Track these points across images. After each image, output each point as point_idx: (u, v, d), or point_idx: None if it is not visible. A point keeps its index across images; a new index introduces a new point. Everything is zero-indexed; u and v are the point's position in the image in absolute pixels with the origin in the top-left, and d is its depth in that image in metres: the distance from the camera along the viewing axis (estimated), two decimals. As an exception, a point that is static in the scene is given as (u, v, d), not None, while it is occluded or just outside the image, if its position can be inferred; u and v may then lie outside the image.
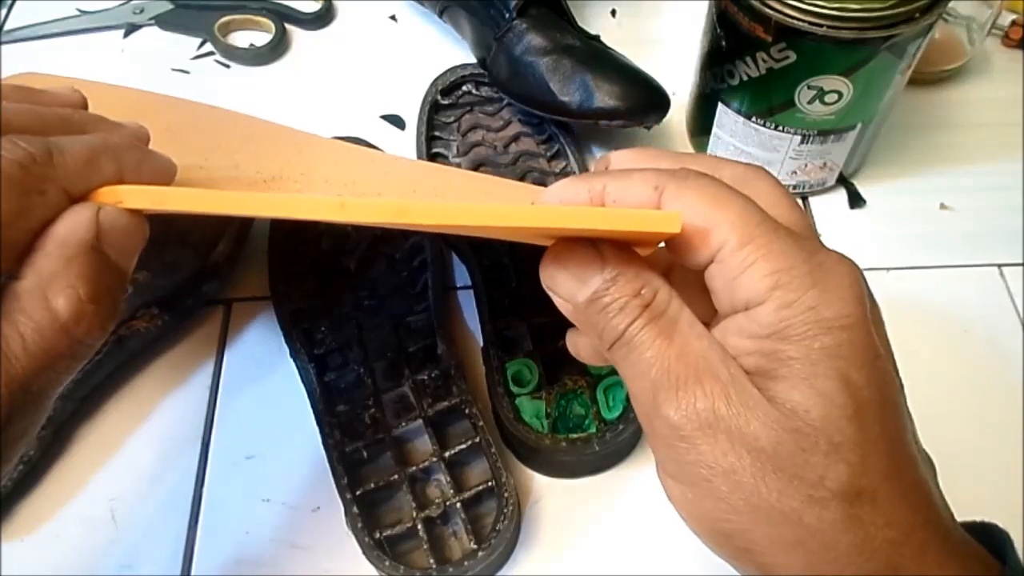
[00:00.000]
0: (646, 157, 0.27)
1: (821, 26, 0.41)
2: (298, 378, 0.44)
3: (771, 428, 0.22)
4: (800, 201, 0.52)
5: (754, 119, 0.47)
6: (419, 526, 0.38)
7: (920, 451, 0.24)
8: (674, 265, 0.28)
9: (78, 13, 0.63)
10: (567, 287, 0.25)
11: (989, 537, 0.24)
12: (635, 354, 0.24)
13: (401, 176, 0.42)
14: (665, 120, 0.50)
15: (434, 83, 0.54)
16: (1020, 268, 0.49)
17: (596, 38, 0.53)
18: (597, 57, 0.50)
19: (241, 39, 0.62)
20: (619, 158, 0.28)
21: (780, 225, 0.24)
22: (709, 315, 0.25)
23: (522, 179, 0.51)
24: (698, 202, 0.23)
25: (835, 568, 0.22)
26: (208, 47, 0.62)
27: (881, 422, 0.22)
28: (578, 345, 0.30)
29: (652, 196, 0.24)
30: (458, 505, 0.39)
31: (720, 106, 0.49)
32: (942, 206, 0.52)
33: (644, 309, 0.24)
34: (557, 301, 0.26)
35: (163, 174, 0.29)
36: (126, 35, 0.63)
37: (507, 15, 0.51)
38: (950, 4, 0.43)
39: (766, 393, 0.22)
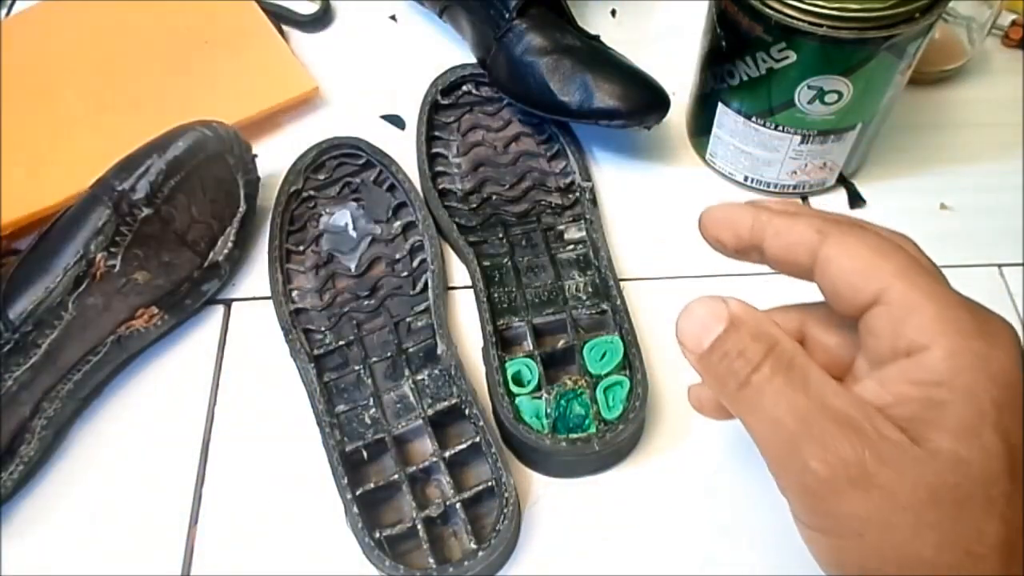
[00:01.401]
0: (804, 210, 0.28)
1: (821, 26, 0.41)
2: (298, 378, 0.44)
3: (928, 481, 0.22)
4: (800, 201, 0.52)
5: (754, 119, 0.47)
6: (419, 526, 0.38)
7: None
8: (804, 337, 0.29)
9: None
10: (693, 335, 0.26)
11: None
12: (764, 402, 0.24)
13: None
14: (665, 120, 0.50)
15: (434, 83, 0.54)
16: (1020, 268, 0.49)
17: (596, 38, 0.53)
18: (597, 57, 0.50)
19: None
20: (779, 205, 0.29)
21: (941, 275, 0.25)
22: (837, 376, 0.26)
23: (522, 179, 0.51)
24: (861, 248, 0.24)
25: None
26: (208, 47, 0.62)
27: None
28: (701, 398, 0.32)
29: (815, 239, 0.25)
30: (458, 505, 0.39)
31: (720, 106, 0.49)
32: (942, 206, 0.52)
33: (768, 356, 0.24)
34: (685, 353, 0.27)
35: None
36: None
37: (507, 15, 0.51)
38: (950, 4, 0.43)
39: (924, 444, 0.22)
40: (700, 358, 0.26)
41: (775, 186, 0.51)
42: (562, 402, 0.42)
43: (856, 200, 0.52)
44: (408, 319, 0.46)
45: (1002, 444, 0.22)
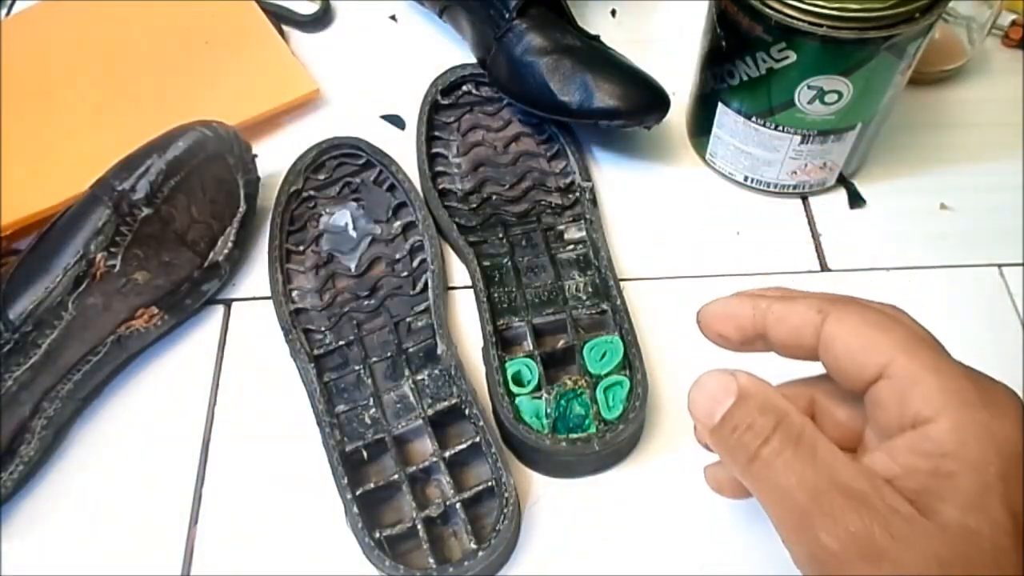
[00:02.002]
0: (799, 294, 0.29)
1: (821, 26, 0.41)
2: (298, 378, 0.44)
3: (938, 553, 0.22)
4: (800, 201, 0.52)
5: (754, 119, 0.47)
6: (419, 526, 0.38)
7: None
8: (813, 410, 0.29)
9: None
10: (703, 408, 0.26)
11: None
12: (774, 475, 0.24)
13: None
14: (665, 120, 0.50)
15: (434, 83, 0.54)
16: (1020, 268, 0.49)
17: (596, 38, 0.53)
18: (597, 57, 0.50)
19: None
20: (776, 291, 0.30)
21: (941, 346, 0.25)
22: (848, 447, 0.26)
23: (522, 179, 0.51)
24: (862, 324, 0.25)
25: None
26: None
27: None
28: (718, 478, 0.32)
29: (815, 319, 0.26)
30: (458, 505, 0.39)
31: (720, 106, 0.49)
32: (942, 206, 0.52)
33: (777, 429, 0.25)
34: (697, 427, 0.27)
35: None
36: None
37: (507, 15, 0.51)
38: (950, 4, 0.43)
39: (933, 516, 0.22)
40: (711, 431, 0.26)
41: (775, 186, 0.51)
42: (562, 402, 0.42)
43: (856, 200, 0.52)
44: (408, 319, 0.46)
45: (1009, 517, 0.22)
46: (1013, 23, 0.59)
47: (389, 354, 0.44)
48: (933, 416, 0.23)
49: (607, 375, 0.42)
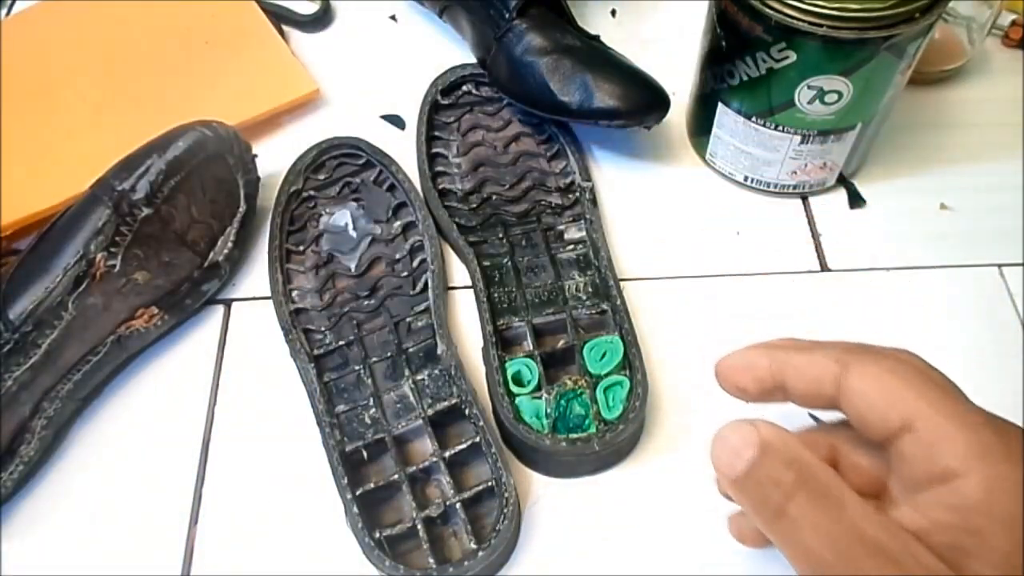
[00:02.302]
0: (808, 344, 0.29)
1: (821, 26, 0.41)
2: (298, 378, 0.44)
3: None
4: (800, 201, 0.52)
5: (754, 119, 0.47)
6: (419, 526, 0.38)
7: None
8: (836, 458, 0.29)
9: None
10: (725, 462, 0.26)
11: None
12: (800, 532, 0.24)
13: None
14: (665, 120, 0.50)
15: (434, 83, 0.54)
16: (1020, 268, 0.49)
17: (596, 38, 0.53)
18: (597, 57, 0.50)
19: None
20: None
21: (963, 395, 0.25)
22: (871, 494, 0.26)
23: (522, 179, 0.51)
24: (883, 376, 0.25)
25: None
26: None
27: None
28: (742, 529, 0.32)
29: (834, 370, 0.26)
30: (458, 505, 0.39)
31: (720, 106, 0.49)
32: (942, 206, 0.52)
33: (802, 485, 0.24)
34: (720, 480, 0.27)
35: None
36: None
37: (507, 15, 0.51)
38: (950, 4, 0.43)
39: (961, 570, 0.22)
40: (734, 484, 0.26)
41: (775, 186, 0.51)
42: (562, 402, 0.42)
43: (856, 200, 0.52)
44: (408, 319, 0.46)
45: None
46: (1013, 23, 0.59)
47: (389, 354, 0.44)
48: (962, 471, 0.23)
49: (607, 375, 0.42)
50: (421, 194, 0.50)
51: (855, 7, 0.40)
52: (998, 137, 0.55)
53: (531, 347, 0.44)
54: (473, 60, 0.55)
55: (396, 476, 0.40)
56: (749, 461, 0.25)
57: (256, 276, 0.49)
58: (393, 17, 0.63)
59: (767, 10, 0.41)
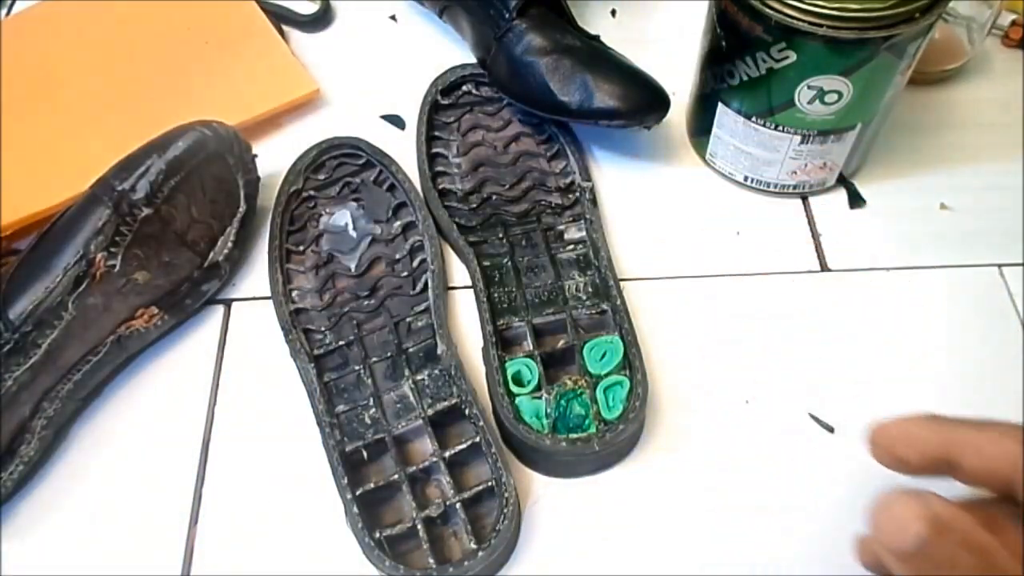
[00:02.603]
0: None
1: (821, 26, 0.41)
2: (298, 378, 0.44)
3: None
4: (800, 201, 0.52)
5: (754, 119, 0.47)
6: (419, 526, 0.38)
7: None
8: (992, 525, 0.28)
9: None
10: (893, 536, 0.25)
11: None
12: None
13: None
14: (665, 120, 0.50)
15: (434, 83, 0.54)
16: (1020, 268, 0.49)
17: (596, 38, 0.53)
18: (597, 57, 0.50)
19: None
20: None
21: None
22: None
23: (522, 179, 0.51)
24: None
25: None
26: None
27: None
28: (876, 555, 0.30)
29: (1016, 450, 0.26)
30: (458, 505, 0.39)
31: (720, 106, 0.49)
32: (942, 206, 0.52)
33: (987, 570, 0.24)
34: (879, 549, 0.26)
35: None
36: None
37: (507, 15, 0.51)
38: (950, 4, 0.43)
39: None
40: (903, 561, 0.25)
41: (775, 186, 0.51)
42: (562, 402, 0.42)
43: (856, 200, 0.52)
44: (408, 319, 0.46)
45: None
46: (1013, 23, 0.59)
47: (389, 354, 0.44)
48: None
49: (607, 375, 0.42)
50: (421, 194, 0.50)
51: (855, 7, 0.40)
52: (998, 137, 0.55)
53: (531, 347, 0.44)
54: (473, 60, 0.55)
55: (396, 476, 0.40)
56: (923, 538, 0.24)
57: (256, 276, 0.49)
58: (393, 17, 0.63)
59: (767, 10, 0.41)
